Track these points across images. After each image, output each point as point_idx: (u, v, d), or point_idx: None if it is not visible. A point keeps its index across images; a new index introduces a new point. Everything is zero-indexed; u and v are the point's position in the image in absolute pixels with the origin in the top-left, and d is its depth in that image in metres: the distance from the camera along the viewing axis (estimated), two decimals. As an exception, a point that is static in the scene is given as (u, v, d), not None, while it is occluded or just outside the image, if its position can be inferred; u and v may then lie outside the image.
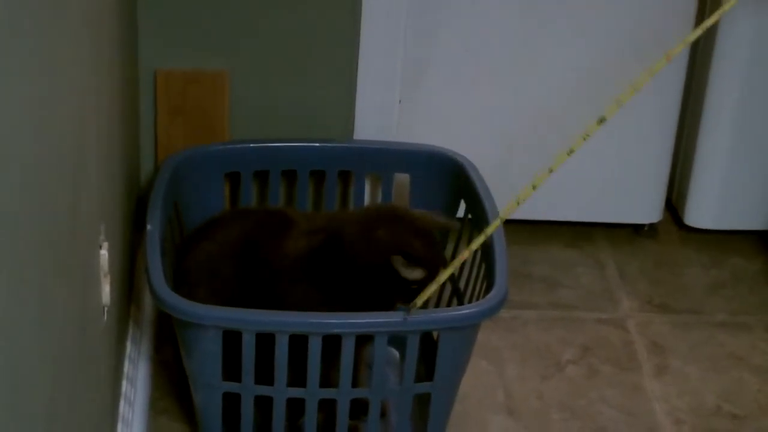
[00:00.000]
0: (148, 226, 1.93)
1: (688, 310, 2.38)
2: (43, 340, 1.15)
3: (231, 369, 1.86)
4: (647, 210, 2.54)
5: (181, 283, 1.97)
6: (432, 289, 1.83)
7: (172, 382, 2.08)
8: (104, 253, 1.58)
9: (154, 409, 2.04)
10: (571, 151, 1.77)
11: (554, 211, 2.52)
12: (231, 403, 1.90)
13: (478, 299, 1.94)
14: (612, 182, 2.50)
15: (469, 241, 2.10)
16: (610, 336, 2.29)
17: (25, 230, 1.05)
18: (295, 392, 1.87)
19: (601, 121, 1.73)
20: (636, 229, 2.58)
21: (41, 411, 1.14)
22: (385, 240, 1.89)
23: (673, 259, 2.53)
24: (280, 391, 1.86)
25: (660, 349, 2.27)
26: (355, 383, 1.89)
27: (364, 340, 1.87)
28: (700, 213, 2.57)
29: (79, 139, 1.39)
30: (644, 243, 2.57)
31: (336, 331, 1.82)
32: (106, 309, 1.63)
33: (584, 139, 1.76)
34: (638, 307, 2.38)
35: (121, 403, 1.92)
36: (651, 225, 2.57)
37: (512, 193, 2.41)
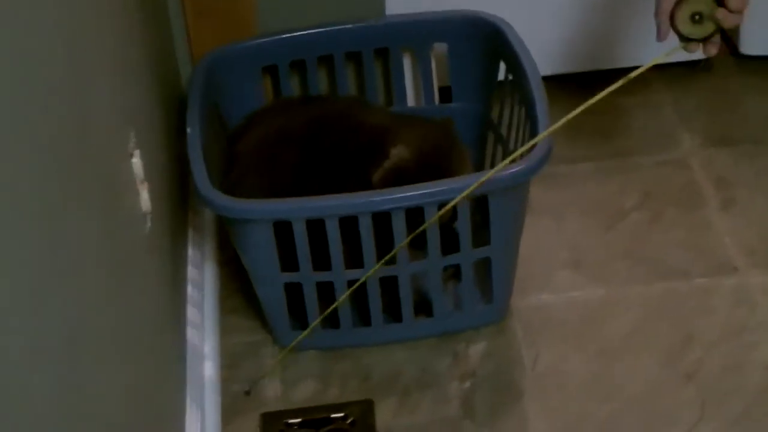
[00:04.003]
0: (188, 129, 1.93)
1: (750, 141, 2.32)
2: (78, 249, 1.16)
3: (288, 259, 1.86)
4: (700, 43, 2.47)
5: (230, 168, 1.98)
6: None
7: (238, 281, 2.08)
8: (136, 160, 1.59)
9: (224, 309, 2.05)
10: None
11: (603, 59, 2.47)
12: (295, 292, 1.91)
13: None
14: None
15: (512, 102, 2.07)
16: (672, 177, 2.25)
17: (22, 148, 1.05)
18: (354, 274, 1.87)
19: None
20: (691, 65, 2.51)
21: (74, 313, 1.16)
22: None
23: (731, 90, 2.47)
24: (339, 275, 1.87)
25: (725, 183, 2.22)
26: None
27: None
28: (755, 40, 2.49)
29: (90, 50, 1.39)
30: (700, 78, 2.50)
31: (385, 207, 1.81)
32: (148, 216, 1.63)
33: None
34: (699, 143, 2.33)
35: (188, 307, 1.94)
36: (706, 59, 2.50)
37: (547, 51, 2.38)
